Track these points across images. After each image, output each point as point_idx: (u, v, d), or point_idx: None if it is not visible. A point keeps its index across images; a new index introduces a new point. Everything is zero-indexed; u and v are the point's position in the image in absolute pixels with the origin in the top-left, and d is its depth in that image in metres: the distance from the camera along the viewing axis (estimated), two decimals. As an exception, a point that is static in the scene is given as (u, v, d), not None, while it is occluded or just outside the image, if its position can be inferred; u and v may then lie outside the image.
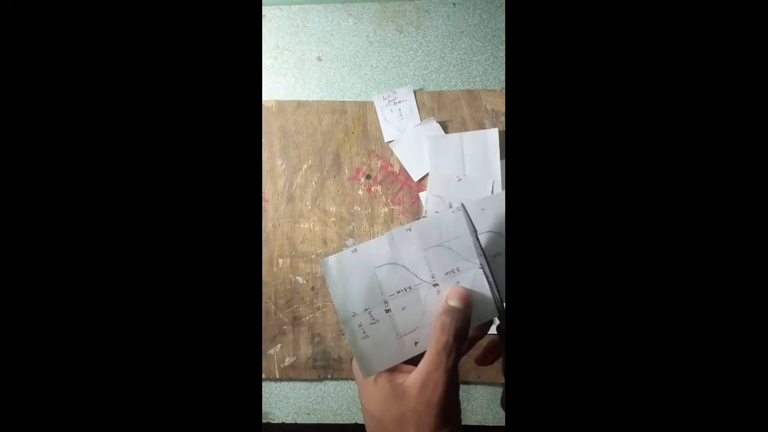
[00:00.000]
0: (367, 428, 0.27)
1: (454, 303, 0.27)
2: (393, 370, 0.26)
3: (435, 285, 0.28)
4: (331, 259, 0.28)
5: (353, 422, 0.50)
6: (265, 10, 0.56)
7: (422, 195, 0.51)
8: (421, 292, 0.28)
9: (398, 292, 0.28)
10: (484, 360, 0.31)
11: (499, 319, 0.28)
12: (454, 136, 0.51)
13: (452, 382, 0.25)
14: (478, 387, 0.49)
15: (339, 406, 0.51)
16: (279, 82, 0.55)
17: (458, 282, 0.28)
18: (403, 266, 0.28)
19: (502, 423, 0.49)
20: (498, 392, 0.49)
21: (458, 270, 0.29)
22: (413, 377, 0.25)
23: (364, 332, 0.27)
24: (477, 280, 0.28)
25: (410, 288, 0.28)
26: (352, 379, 0.50)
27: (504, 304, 0.28)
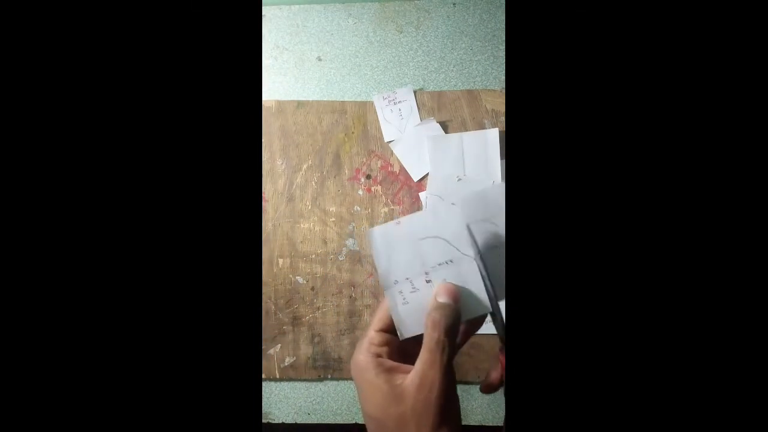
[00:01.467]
0: (368, 430, 0.27)
1: (442, 299, 0.27)
2: (391, 370, 0.26)
3: (476, 259, 0.29)
4: (377, 230, 0.29)
5: (353, 422, 0.50)
6: (265, 10, 0.56)
7: (422, 195, 0.51)
8: (463, 266, 0.29)
9: (439, 264, 0.29)
10: (489, 388, 0.31)
11: (492, 313, 0.28)
12: (454, 136, 0.51)
13: (448, 379, 0.25)
14: (478, 387, 0.49)
15: (339, 406, 0.51)
16: (279, 82, 0.55)
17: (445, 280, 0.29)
18: (446, 240, 0.29)
19: (502, 423, 0.49)
20: (498, 392, 0.49)
21: (501, 245, 0.29)
22: (411, 377, 0.25)
23: (404, 299, 0.28)
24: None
25: (451, 261, 0.29)
26: (352, 379, 0.50)
27: (496, 297, 0.28)
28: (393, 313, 0.28)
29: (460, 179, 0.50)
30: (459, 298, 0.27)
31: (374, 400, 0.26)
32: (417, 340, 0.27)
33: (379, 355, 0.27)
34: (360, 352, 0.27)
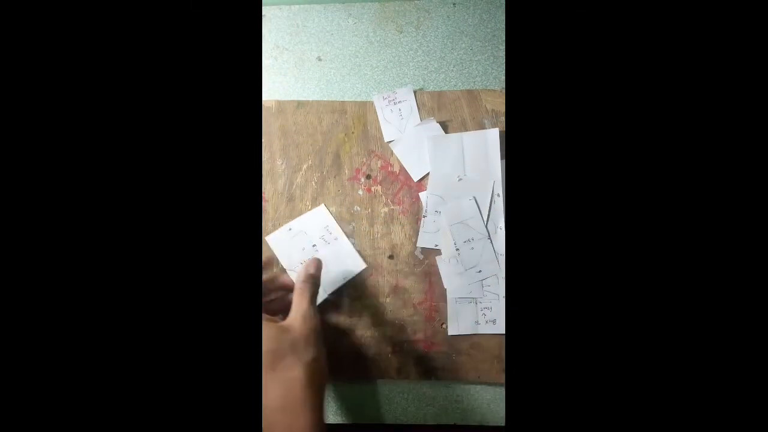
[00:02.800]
0: (265, 365, 0.34)
1: (313, 272, 0.43)
2: (270, 319, 0.39)
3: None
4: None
5: (353, 422, 0.50)
6: (265, 10, 0.56)
7: (422, 195, 0.51)
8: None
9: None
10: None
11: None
12: (454, 136, 0.51)
13: (317, 314, 0.40)
14: (478, 387, 0.49)
15: (339, 406, 0.50)
16: (279, 82, 0.55)
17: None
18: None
19: (502, 423, 0.49)
20: (498, 392, 0.49)
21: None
22: (291, 316, 0.38)
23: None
24: None
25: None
26: (353, 380, 0.50)
27: None
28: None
29: (460, 179, 0.50)
30: (317, 269, 0.43)
31: (266, 337, 0.35)
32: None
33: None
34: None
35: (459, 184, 0.50)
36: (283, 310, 0.41)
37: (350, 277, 0.50)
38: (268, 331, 0.36)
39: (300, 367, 0.34)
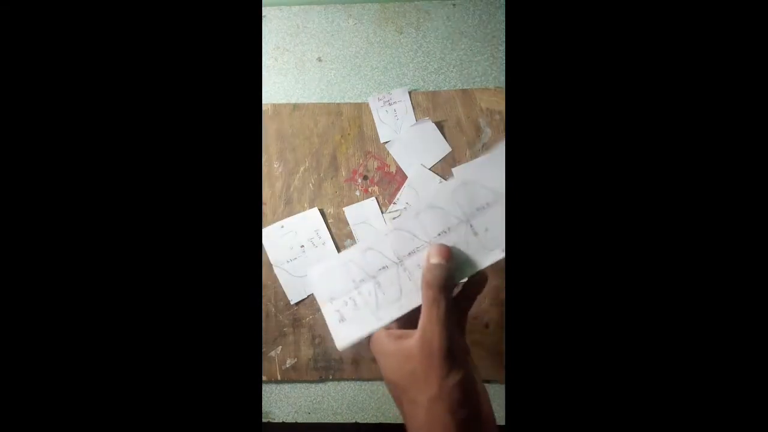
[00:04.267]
0: (391, 395, 0.29)
1: (434, 260, 0.29)
2: (400, 337, 0.29)
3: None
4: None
5: (353, 422, 0.50)
6: (266, 11, 0.56)
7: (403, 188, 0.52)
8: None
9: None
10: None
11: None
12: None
13: (448, 330, 0.27)
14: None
15: (339, 406, 0.50)
16: (279, 83, 0.55)
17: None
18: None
19: (503, 422, 0.49)
20: (498, 391, 0.49)
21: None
22: (415, 337, 0.28)
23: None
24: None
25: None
26: (353, 380, 0.50)
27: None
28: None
29: (441, 182, 0.51)
30: (450, 256, 0.29)
31: (388, 365, 0.28)
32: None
33: (388, 328, 0.30)
34: (375, 332, 0.31)
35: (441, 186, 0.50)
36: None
37: None
38: (389, 358, 0.28)
39: (421, 408, 0.26)
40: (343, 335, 0.32)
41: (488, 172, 0.30)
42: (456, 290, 0.31)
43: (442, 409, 0.25)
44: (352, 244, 0.51)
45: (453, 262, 0.29)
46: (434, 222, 0.31)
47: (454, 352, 0.26)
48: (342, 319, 0.32)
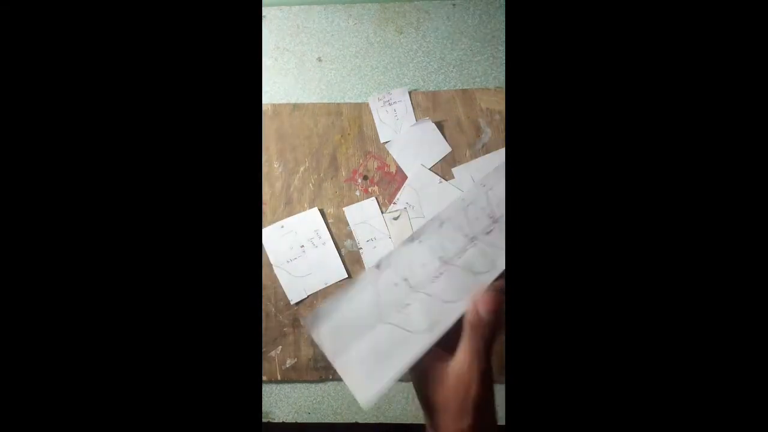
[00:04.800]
0: (426, 413, 0.29)
1: (485, 314, 0.27)
2: (440, 357, 0.28)
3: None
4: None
5: (353, 422, 0.50)
6: (266, 11, 0.56)
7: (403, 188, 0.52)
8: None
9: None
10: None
11: None
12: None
13: (484, 383, 0.27)
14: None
15: (339, 406, 0.51)
16: (279, 83, 0.55)
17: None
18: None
19: (502, 422, 0.49)
20: (498, 391, 0.48)
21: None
22: (450, 365, 0.27)
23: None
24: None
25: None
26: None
27: None
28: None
29: (441, 182, 0.51)
30: (502, 309, 0.27)
31: (433, 387, 0.28)
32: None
33: None
34: None
35: (440, 186, 0.50)
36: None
37: (330, 283, 0.51)
38: (433, 383, 0.28)
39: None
40: (370, 388, 0.28)
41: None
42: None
43: None
44: (352, 245, 0.51)
45: (503, 314, 0.27)
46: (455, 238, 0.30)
47: (481, 402, 0.27)
48: (363, 367, 0.28)
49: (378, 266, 0.30)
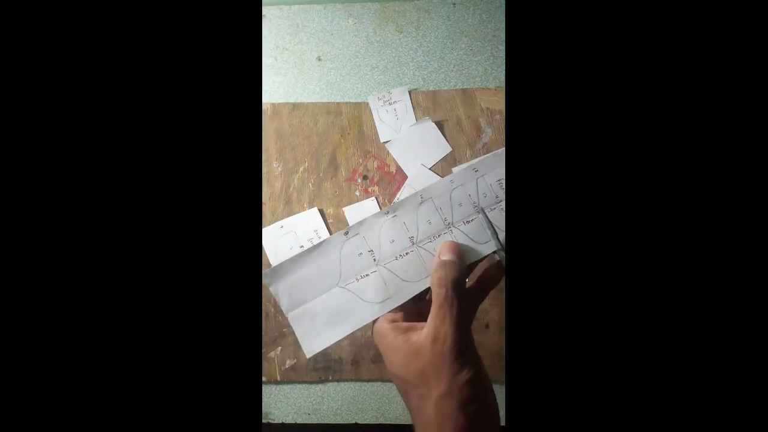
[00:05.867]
0: (397, 388, 0.29)
1: (446, 257, 0.29)
2: (407, 330, 0.28)
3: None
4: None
5: (353, 422, 0.50)
6: (265, 10, 0.56)
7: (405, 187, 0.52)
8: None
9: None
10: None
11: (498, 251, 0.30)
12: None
13: (460, 330, 0.27)
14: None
15: (339, 406, 0.50)
16: (278, 83, 0.55)
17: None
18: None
19: (503, 423, 0.49)
20: (498, 392, 0.48)
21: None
22: (425, 333, 0.27)
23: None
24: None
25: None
26: (353, 380, 0.50)
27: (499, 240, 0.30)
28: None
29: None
30: (462, 254, 0.29)
31: (396, 360, 0.28)
32: (430, 299, 0.28)
33: (394, 320, 0.29)
34: (378, 321, 0.30)
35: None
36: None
37: None
38: (396, 352, 0.28)
39: (430, 403, 0.26)
40: (315, 341, 0.30)
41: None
42: (469, 282, 0.30)
43: (453, 405, 0.26)
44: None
45: (463, 258, 0.29)
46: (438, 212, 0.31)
47: (466, 350, 0.27)
48: (313, 323, 0.30)
49: (346, 233, 0.30)
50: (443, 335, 0.26)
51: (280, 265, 0.30)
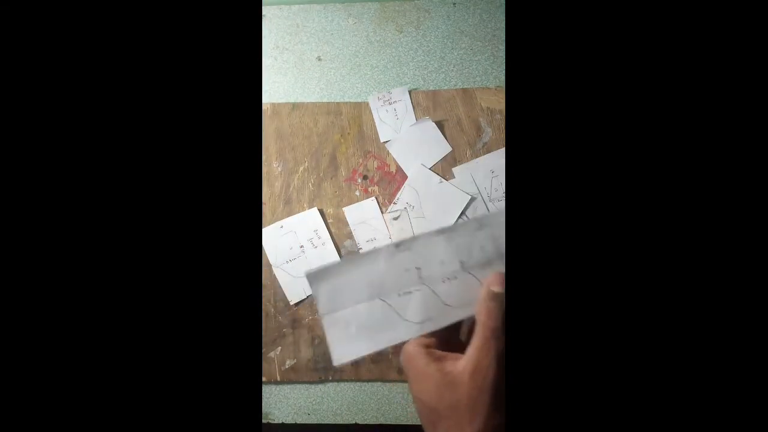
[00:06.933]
0: (420, 417, 0.28)
1: (497, 289, 0.27)
2: (441, 359, 0.27)
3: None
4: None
5: (353, 422, 0.50)
6: (265, 10, 0.56)
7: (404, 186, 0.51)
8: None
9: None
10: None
11: None
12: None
13: (501, 367, 0.26)
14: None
15: (339, 407, 0.50)
16: (278, 82, 0.54)
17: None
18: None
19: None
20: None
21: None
22: (463, 365, 0.26)
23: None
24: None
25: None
26: (353, 381, 0.50)
27: None
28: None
29: (441, 182, 0.50)
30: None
31: (426, 388, 0.26)
32: (458, 330, 0.28)
33: (428, 346, 0.28)
34: (409, 343, 0.28)
35: (439, 186, 0.50)
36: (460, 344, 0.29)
37: None
38: (427, 380, 0.26)
39: None
40: (346, 350, 0.29)
41: None
42: None
43: None
44: (352, 245, 0.51)
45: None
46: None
47: (502, 392, 0.25)
48: (347, 331, 0.29)
49: (397, 246, 0.29)
50: (485, 369, 0.25)
51: (325, 268, 0.29)
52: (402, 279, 0.29)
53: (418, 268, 0.29)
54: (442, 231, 0.30)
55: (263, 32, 0.55)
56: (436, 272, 0.29)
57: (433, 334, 0.29)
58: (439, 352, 0.28)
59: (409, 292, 0.29)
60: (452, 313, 0.29)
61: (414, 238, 0.29)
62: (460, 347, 0.27)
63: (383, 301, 0.29)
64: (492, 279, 0.28)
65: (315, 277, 0.29)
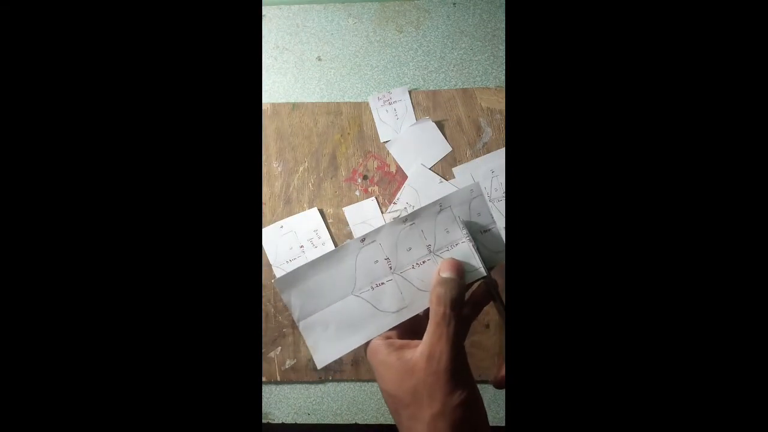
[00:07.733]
0: (387, 406, 0.28)
1: (446, 274, 0.28)
2: (401, 347, 0.28)
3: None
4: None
5: (353, 422, 0.50)
6: (265, 10, 0.56)
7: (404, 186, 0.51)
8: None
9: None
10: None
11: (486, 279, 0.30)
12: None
13: (456, 349, 0.26)
14: (478, 386, 0.49)
15: (339, 407, 0.50)
16: (278, 82, 0.54)
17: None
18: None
19: (503, 423, 0.49)
20: (498, 392, 0.49)
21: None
22: (419, 350, 0.27)
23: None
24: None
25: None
26: (353, 381, 0.50)
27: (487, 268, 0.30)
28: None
29: (442, 182, 0.50)
30: (462, 272, 0.29)
31: (388, 377, 0.27)
32: (427, 316, 0.28)
33: (388, 337, 0.29)
34: (373, 339, 0.29)
35: (440, 186, 0.50)
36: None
37: None
38: (389, 370, 0.27)
39: (422, 424, 0.26)
40: (327, 351, 0.29)
41: None
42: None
43: (445, 426, 0.25)
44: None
45: (464, 277, 0.29)
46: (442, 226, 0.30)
47: (461, 370, 0.26)
48: (326, 333, 0.29)
49: (363, 240, 0.30)
50: (438, 354, 0.26)
51: (293, 273, 0.29)
52: (373, 272, 0.29)
53: (386, 259, 0.30)
54: (404, 219, 0.30)
55: (263, 32, 0.55)
56: (405, 260, 0.30)
57: (395, 327, 0.29)
58: (399, 341, 0.28)
59: (382, 284, 0.29)
60: (427, 297, 0.29)
61: (378, 230, 0.30)
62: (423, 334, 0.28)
63: (357, 296, 0.29)
64: (442, 265, 0.29)
65: (285, 283, 0.29)
